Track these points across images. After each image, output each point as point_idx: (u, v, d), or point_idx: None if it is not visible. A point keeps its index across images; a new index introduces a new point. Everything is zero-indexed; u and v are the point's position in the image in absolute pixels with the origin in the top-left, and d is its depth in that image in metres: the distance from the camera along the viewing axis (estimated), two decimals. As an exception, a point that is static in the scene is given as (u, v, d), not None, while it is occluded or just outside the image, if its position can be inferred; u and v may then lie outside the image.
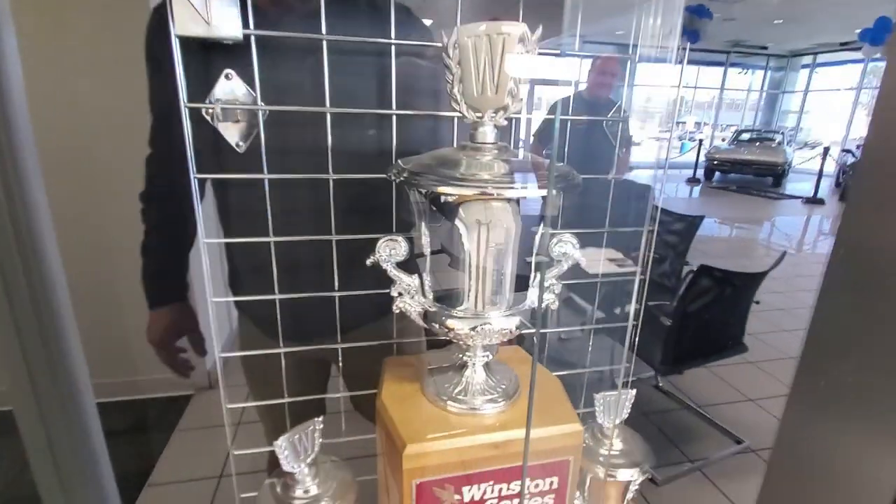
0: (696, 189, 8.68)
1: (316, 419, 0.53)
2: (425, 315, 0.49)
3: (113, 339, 1.87)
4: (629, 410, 0.62)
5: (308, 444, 0.53)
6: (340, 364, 0.68)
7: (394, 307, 0.49)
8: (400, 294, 0.49)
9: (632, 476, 0.59)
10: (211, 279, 0.53)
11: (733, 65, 12.21)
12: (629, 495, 0.64)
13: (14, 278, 0.73)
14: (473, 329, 0.46)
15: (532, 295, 0.51)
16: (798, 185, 8.77)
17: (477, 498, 0.48)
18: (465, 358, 0.51)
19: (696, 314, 1.70)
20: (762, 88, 13.31)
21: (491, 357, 0.51)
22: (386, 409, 0.50)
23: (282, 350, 0.61)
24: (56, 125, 1.55)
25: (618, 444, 0.61)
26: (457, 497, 0.47)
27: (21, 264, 0.76)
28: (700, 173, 9.43)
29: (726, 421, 2.10)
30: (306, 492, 0.52)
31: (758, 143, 9.49)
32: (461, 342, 0.49)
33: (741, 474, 1.81)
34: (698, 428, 2.15)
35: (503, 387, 0.52)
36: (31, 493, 1.15)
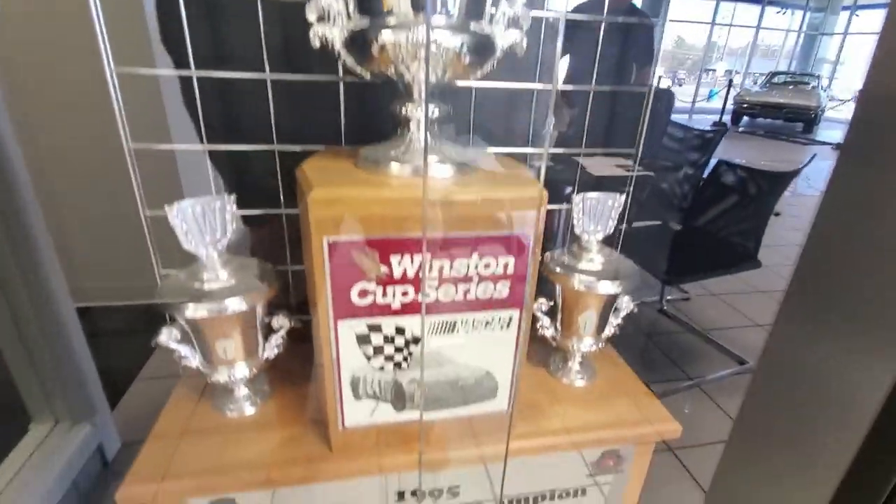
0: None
1: (229, 195, 0.44)
2: (354, 38, 0.37)
3: (114, 244, 1.82)
4: (615, 222, 0.51)
5: (217, 224, 0.43)
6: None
7: (311, 37, 0.38)
8: (319, 19, 0.38)
9: (613, 289, 0.49)
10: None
11: (771, 3, 11.29)
12: (616, 321, 0.55)
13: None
14: (410, 40, 0.35)
15: (488, 23, 0.38)
16: (830, 133, 8.28)
17: (411, 273, 0.38)
18: (406, 112, 0.40)
19: (710, 220, 1.57)
20: (800, 28, 12.39)
21: (439, 114, 0.40)
22: (304, 172, 0.40)
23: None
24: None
25: (598, 260, 0.51)
26: (384, 269, 0.38)
27: None
28: (727, 119, 8.92)
29: (732, 344, 2.03)
30: (215, 277, 0.43)
31: (791, 87, 8.89)
32: (395, 75, 0.38)
33: (741, 392, 1.75)
34: (702, 350, 2.07)
35: (452, 155, 0.41)
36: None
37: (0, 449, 1.13)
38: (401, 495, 0.49)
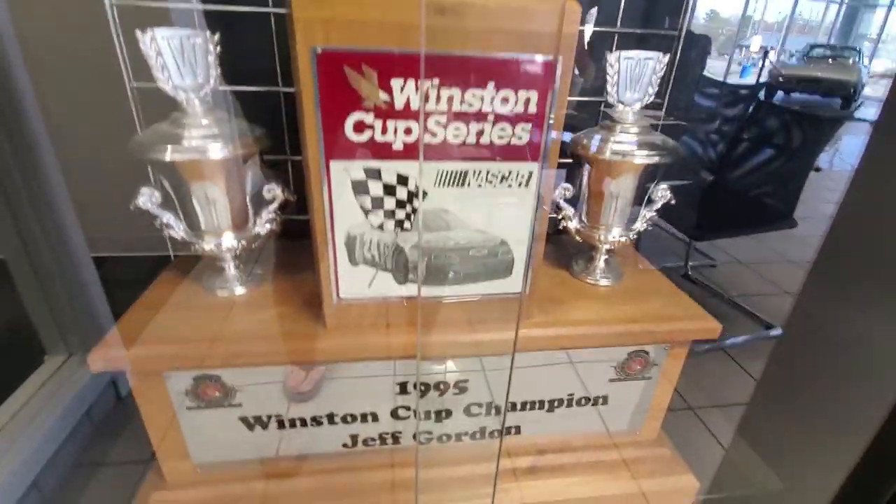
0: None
1: (208, 34, 0.38)
2: None
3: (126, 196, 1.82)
4: (655, 89, 0.44)
5: (200, 66, 0.38)
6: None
7: None
8: None
9: (650, 159, 0.43)
10: None
11: (814, -29, 10.62)
12: (649, 213, 0.48)
13: None
14: None
15: None
16: (869, 111, 7.84)
17: (415, 105, 0.33)
18: None
19: (745, 173, 1.46)
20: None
21: None
22: None
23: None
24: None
25: (634, 131, 0.44)
26: (383, 95, 0.32)
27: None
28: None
29: (758, 310, 1.95)
30: (198, 122, 0.38)
31: (830, 60, 8.42)
32: None
33: (766, 356, 1.67)
34: (727, 314, 2.00)
35: None
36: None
37: (15, 379, 1.13)
38: (402, 387, 0.45)
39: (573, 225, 0.49)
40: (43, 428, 1.04)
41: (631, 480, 0.52)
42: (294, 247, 0.52)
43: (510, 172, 0.36)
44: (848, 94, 7.96)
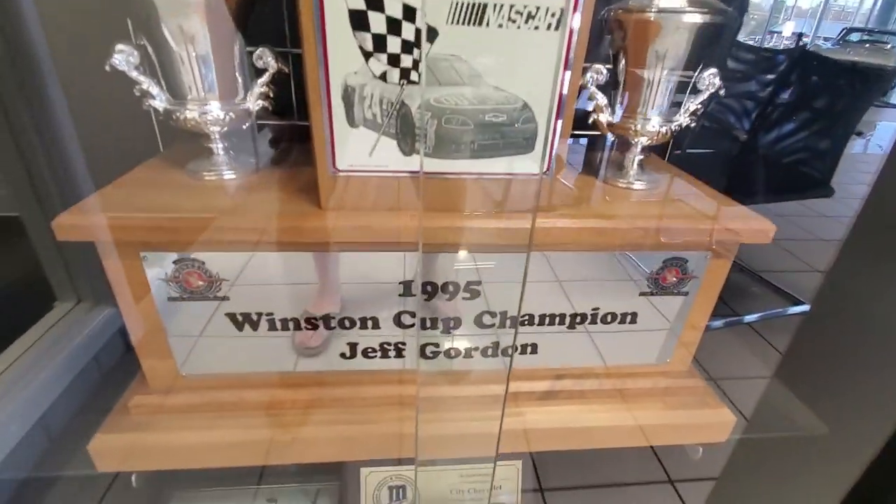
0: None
1: None
2: None
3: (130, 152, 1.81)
4: None
5: None
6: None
7: None
8: None
9: (702, 18, 0.37)
10: None
11: (855, -49, 10.14)
12: (694, 105, 0.42)
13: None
14: None
15: None
16: (908, 98, 7.47)
17: None
18: None
19: (780, 136, 1.37)
20: (886, -19, 11.12)
21: None
22: None
23: None
24: None
25: None
26: None
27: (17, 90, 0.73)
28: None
29: (786, 286, 1.86)
30: None
31: (868, 45, 8.05)
32: None
33: (793, 332, 1.59)
34: (754, 290, 1.92)
35: None
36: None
37: (26, 322, 1.13)
38: (406, 287, 0.40)
39: (605, 117, 0.43)
40: (50, 368, 1.03)
41: (659, 411, 0.46)
42: (291, 147, 0.48)
43: (538, 8, 0.30)
44: (885, 80, 7.63)
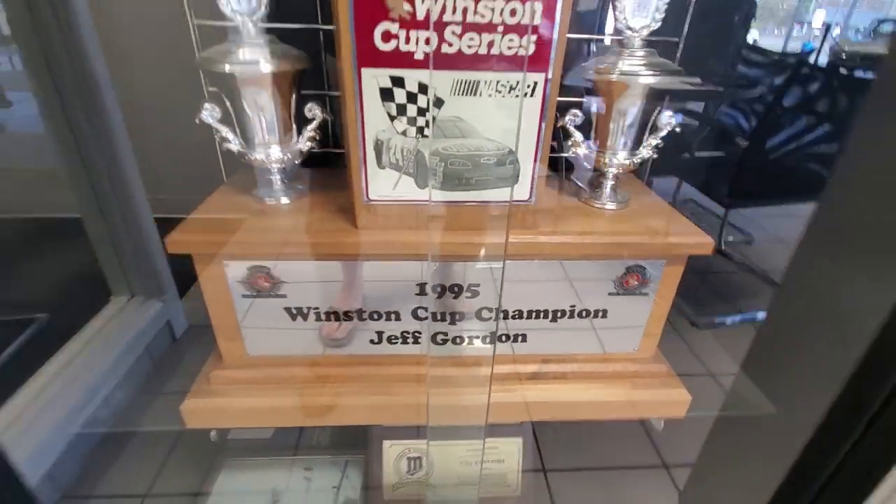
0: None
1: None
2: None
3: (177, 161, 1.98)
4: (662, 15, 0.47)
5: None
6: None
7: None
8: None
9: (654, 80, 0.47)
10: None
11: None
12: (655, 140, 0.52)
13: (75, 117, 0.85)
14: None
15: None
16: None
17: (435, 16, 0.38)
18: None
19: (788, 137, 1.42)
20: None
21: None
22: None
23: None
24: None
25: (640, 55, 0.48)
26: (407, 6, 0.37)
27: (82, 108, 0.90)
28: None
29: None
30: (250, 41, 0.45)
31: (903, 36, 7.72)
32: None
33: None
34: (760, 290, 1.96)
35: None
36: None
37: (85, 315, 1.29)
38: (421, 287, 0.51)
39: (582, 150, 0.53)
40: (111, 355, 1.19)
41: (627, 390, 0.56)
42: (331, 172, 0.59)
43: (518, 83, 0.41)
44: (920, 72, 7.33)
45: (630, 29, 0.47)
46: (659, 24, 0.47)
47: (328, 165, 0.61)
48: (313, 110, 0.50)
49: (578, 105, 0.54)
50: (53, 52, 0.89)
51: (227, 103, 0.48)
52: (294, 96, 0.49)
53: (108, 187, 1.16)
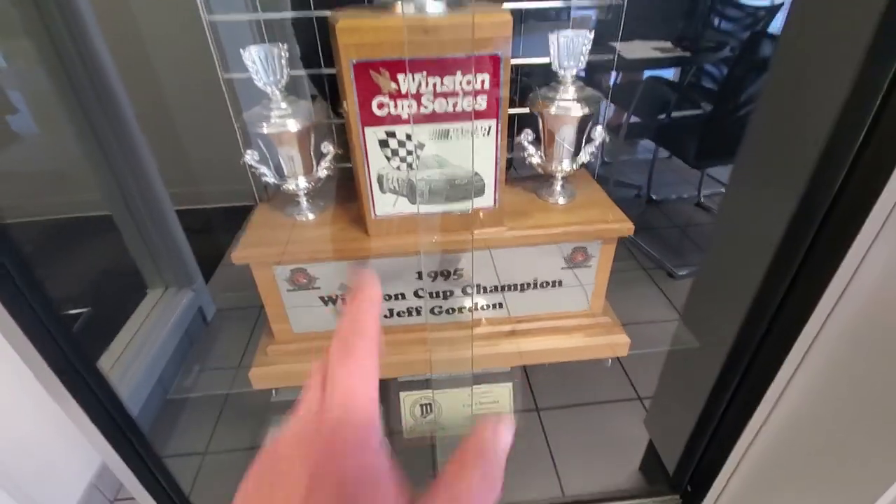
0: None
1: (280, 45, 0.59)
2: None
3: (190, 156, 2.12)
4: (587, 58, 0.62)
5: (276, 66, 0.59)
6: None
7: None
8: None
9: (581, 112, 0.62)
10: None
11: None
12: (587, 152, 0.68)
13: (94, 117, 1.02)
14: None
15: None
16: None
17: (413, 90, 0.53)
18: None
19: (746, 99, 1.53)
20: None
21: None
22: (333, 14, 0.54)
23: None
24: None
25: (571, 91, 0.63)
26: (393, 85, 0.53)
27: (101, 111, 1.07)
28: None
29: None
30: (280, 108, 0.60)
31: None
32: None
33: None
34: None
35: None
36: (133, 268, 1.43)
37: (127, 307, 1.49)
38: (419, 274, 0.68)
39: (535, 160, 0.69)
40: (158, 341, 1.40)
41: (581, 338, 0.75)
42: (342, 187, 0.75)
43: (478, 128, 0.56)
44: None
45: (562, 69, 0.62)
46: (584, 65, 0.62)
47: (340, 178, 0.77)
48: (328, 147, 0.66)
49: (534, 120, 0.69)
50: (74, 73, 1.04)
51: (263, 148, 0.64)
52: (313, 137, 0.64)
53: (132, 185, 1.32)
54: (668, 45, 1.85)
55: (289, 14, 0.68)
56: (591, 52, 0.61)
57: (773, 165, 0.65)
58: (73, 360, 0.57)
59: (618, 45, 0.81)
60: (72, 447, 1.05)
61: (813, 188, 0.56)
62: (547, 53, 0.62)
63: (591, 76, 0.78)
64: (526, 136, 0.67)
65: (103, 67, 1.08)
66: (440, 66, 0.52)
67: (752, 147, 0.70)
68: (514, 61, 0.56)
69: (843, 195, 0.52)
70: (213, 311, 1.74)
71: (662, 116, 2.00)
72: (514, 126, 0.66)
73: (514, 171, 0.80)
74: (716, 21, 2.02)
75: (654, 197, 2.30)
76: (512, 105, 0.59)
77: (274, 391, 0.77)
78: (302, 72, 0.70)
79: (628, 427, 1.32)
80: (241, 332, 1.59)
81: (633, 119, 2.01)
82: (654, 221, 2.26)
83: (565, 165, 0.68)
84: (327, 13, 0.59)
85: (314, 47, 0.66)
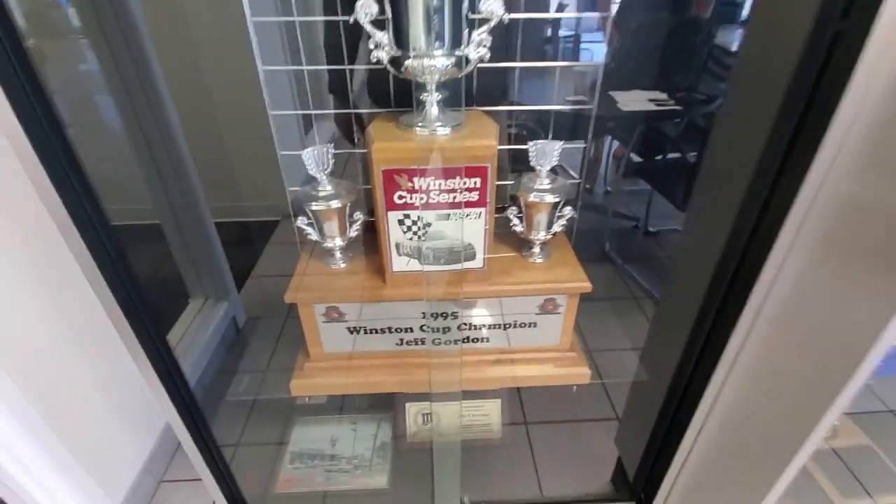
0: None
1: (329, 144, 0.80)
2: (393, 60, 0.70)
3: (224, 172, 2.36)
4: (556, 159, 0.82)
5: (324, 160, 0.80)
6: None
7: (371, 57, 0.71)
8: (376, 46, 0.70)
9: (553, 199, 0.82)
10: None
11: None
12: (559, 224, 0.87)
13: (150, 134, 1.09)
14: (422, 65, 0.67)
15: (466, 48, 0.69)
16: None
17: (424, 187, 0.73)
18: (423, 97, 0.73)
19: None
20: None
21: (440, 97, 0.73)
22: (370, 131, 0.75)
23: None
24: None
25: (546, 182, 0.83)
26: (410, 184, 0.73)
27: (157, 130, 1.25)
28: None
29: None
30: (325, 189, 0.81)
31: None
32: (417, 79, 0.71)
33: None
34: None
35: (449, 118, 0.74)
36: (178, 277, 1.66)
37: (173, 314, 1.72)
38: (424, 314, 0.88)
39: (519, 229, 0.89)
40: (198, 346, 1.63)
41: (552, 368, 0.94)
42: (368, 241, 0.95)
43: (471, 213, 0.76)
44: None
45: (540, 166, 0.82)
46: (555, 162, 0.81)
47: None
48: (357, 215, 0.86)
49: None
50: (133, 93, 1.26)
51: (311, 215, 0.84)
52: (348, 210, 0.85)
53: (179, 198, 1.54)
54: (664, 96, 2.03)
55: (320, 17, 0.89)
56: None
57: (710, 207, 0.81)
58: (153, 334, 0.75)
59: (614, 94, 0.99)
60: (129, 431, 1.26)
61: (737, 223, 0.71)
62: (539, 98, 0.82)
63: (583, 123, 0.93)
64: (512, 211, 0.87)
65: (161, 94, 1.29)
66: (444, 172, 0.72)
67: (700, 188, 0.86)
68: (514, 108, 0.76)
69: (759, 227, 0.68)
70: (244, 320, 1.96)
71: (658, 158, 2.17)
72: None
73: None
74: (709, 73, 2.18)
75: (651, 229, 2.47)
76: (508, 141, 0.81)
77: (307, 398, 0.98)
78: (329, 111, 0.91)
79: (605, 443, 1.49)
80: (269, 341, 1.82)
81: (633, 154, 2.20)
82: (650, 252, 2.43)
83: (541, 235, 0.87)
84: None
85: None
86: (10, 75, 0.50)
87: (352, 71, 0.82)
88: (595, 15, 1.32)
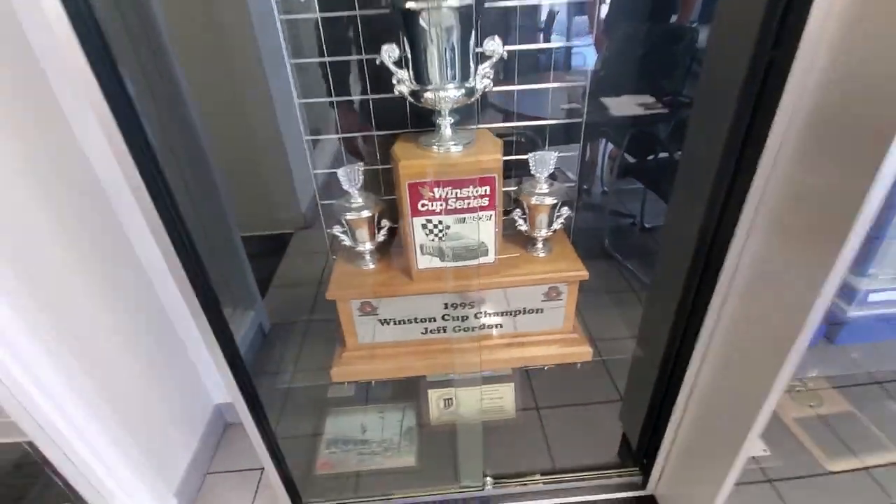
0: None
1: (360, 163, 0.94)
2: (413, 93, 0.85)
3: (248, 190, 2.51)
4: (553, 167, 0.96)
5: (355, 177, 0.95)
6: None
7: (395, 91, 0.85)
8: (398, 81, 0.85)
9: (552, 202, 0.96)
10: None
11: None
12: (558, 223, 1.01)
13: (181, 153, 1.24)
14: (438, 96, 0.82)
15: (474, 80, 0.84)
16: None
17: (443, 196, 0.88)
18: (439, 121, 0.87)
19: None
20: None
21: (453, 120, 0.87)
22: (395, 150, 0.89)
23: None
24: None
25: (546, 187, 0.97)
26: (431, 194, 0.87)
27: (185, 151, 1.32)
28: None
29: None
30: (357, 201, 0.95)
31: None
32: (433, 107, 0.85)
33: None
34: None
35: (461, 137, 0.88)
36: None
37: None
38: (445, 305, 1.02)
39: (523, 228, 1.03)
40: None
41: (557, 348, 1.07)
42: (392, 244, 1.09)
43: (482, 215, 0.90)
44: None
45: (539, 173, 0.96)
46: (552, 169, 0.95)
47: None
48: (385, 222, 1.00)
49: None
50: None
51: (345, 223, 0.99)
52: (376, 219, 0.99)
53: (208, 211, 1.68)
54: (652, 100, 2.18)
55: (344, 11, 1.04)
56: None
57: (685, 200, 0.96)
58: (224, 328, 0.90)
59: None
60: (178, 429, 1.40)
61: (707, 212, 0.85)
62: (536, 107, 0.96)
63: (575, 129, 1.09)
64: (517, 214, 1.01)
65: (193, 121, 1.43)
66: (460, 183, 0.86)
67: (678, 184, 1.00)
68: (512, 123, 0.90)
69: (723, 215, 0.82)
70: (268, 327, 2.10)
71: (650, 158, 2.31)
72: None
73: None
74: (694, 77, 2.32)
75: (647, 225, 2.60)
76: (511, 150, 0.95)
77: (346, 383, 1.12)
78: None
79: (612, 421, 1.62)
80: (294, 343, 1.96)
81: (627, 155, 2.33)
82: (647, 247, 2.56)
83: (543, 233, 1.01)
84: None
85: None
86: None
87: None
88: (583, 43, 1.46)
